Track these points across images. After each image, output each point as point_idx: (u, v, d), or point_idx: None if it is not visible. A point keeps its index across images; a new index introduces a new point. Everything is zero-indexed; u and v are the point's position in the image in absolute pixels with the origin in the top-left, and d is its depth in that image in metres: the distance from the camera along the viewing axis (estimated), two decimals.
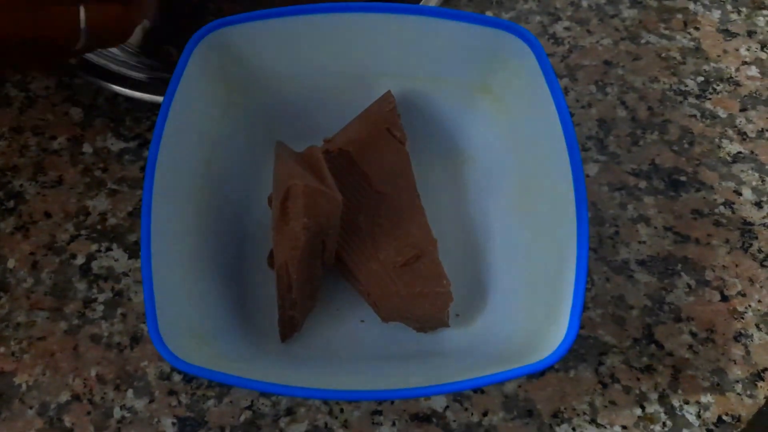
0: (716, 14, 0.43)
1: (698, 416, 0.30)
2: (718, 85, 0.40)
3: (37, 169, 0.36)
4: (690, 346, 0.31)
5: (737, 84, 0.40)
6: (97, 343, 0.31)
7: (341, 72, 0.34)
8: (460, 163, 0.35)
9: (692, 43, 0.42)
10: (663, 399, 0.30)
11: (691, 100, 0.39)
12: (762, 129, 0.38)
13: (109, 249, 0.34)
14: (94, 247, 0.34)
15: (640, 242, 0.34)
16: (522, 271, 0.30)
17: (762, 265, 0.34)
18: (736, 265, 0.34)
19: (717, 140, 0.38)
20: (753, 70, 0.41)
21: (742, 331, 0.32)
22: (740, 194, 0.36)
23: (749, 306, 0.33)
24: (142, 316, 0.32)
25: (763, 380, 0.31)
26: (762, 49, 0.42)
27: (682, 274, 0.33)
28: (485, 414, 0.30)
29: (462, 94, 0.34)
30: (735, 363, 0.31)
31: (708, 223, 0.35)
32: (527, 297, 0.29)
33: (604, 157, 0.37)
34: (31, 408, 0.30)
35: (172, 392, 0.30)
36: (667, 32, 0.42)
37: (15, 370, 0.31)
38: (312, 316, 0.30)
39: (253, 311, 0.31)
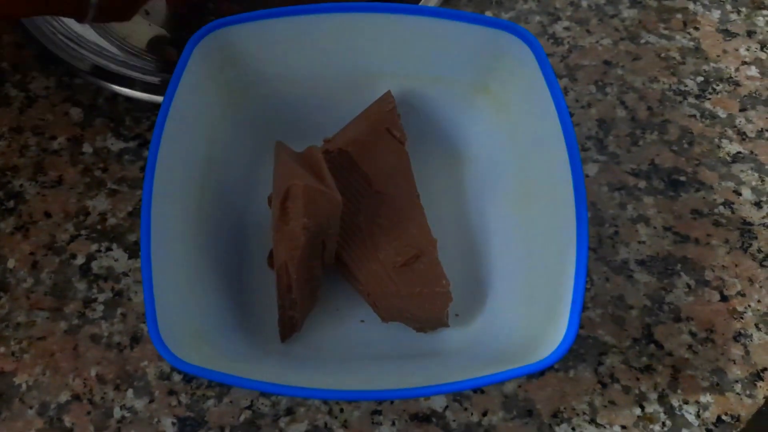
0: (716, 14, 0.43)
1: (698, 416, 0.30)
2: (717, 85, 0.40)
3: (37, 169, 0.36)
4: (689, 346, 0.31)
5: (737, 84, 0.40)
6: (97, 343, 0.31)
7: (341, 72, 0.34)
8: (459, 163, 0.35)
9: (692, 43, 0.42)
10: (662, 399, 0.30)
11: (691, 100, 0.39)
12: (761, 129, 0.38)
13: (109, 249, 0.34)
14: (94, 247, 0.34)
15: (639, 242, 0.34)
16: (521, 271, 0.30)
17: (761, 265, 0.34)
18: (736, 265, 0.34)
19: (716, 140, 0.38)
20: (753, 70, 0.41)
21: (742, 331, 0.32)
22: (740, 194, 0.36)
23: (749, 306, 0.33)
24: (142, 316, 0.32)
25: (763, 380, 0.31)
26: (762, 49, 0.42)
27: (682, 274, 0.33)
28: (485, 414, 0.30)
29: (462, 94, 0.34)
30: (734, 363, 0.31)
31: (707, 223, 0.35)
32: (527, 297, 0.29)
33: (603, 157, 0.37)
34: (31, 408, 0.30)
35: (172, 392, 0.30)
36: (666, 32, 0.42)
37: (15, 370, 0.31)
38: (312, 316, 0.30)
39: (253, 311, 0.31)
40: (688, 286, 0.33)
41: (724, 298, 0.33)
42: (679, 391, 0.30)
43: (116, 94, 0.38)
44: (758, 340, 0.32)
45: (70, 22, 0.39)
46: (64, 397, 0.30)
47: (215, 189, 0.32)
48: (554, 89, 0.29)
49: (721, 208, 0.36)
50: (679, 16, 0.43)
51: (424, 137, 0.35)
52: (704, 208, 0.35)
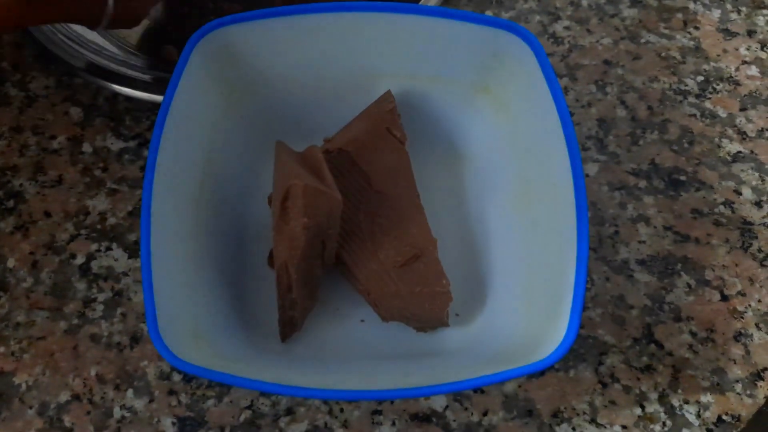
0: (716, 14, 0.43)
1: (698, 416, 0.30)
2: (717, 85, 0.40)
3: (37, 168, 0.36)
4: (690, 346, 0.31)
5: (737, 83, 0.40)
6: (96, 343, 0.31)
7: (341, 72, 0.34)
8: (459, 162, 0.35)
9: (692, 43, 0.42)
10: (663, 399, 0.30)
11: (691, 99, 0.39)
12: (762, 128, 0.38)
13: (108, 249, 0.34)
14: (94, 246, 0.34)
15: (639, 242, 0.34)
16: (522, 270, 0.30)
17: (762, 265, 0.34)
18: (736, 265, 0.34)
19: (717, 140, 0.38)
20: (753, 70, 0.41)
21: (742, 331, 0.32)
22: (740, 194, 0.36)
23: (749, 305, 0.33)
24: (142, 315, 0.32)
25: (763, 380, 0.31)
26: (762, 49, 0.42)
27: (682, 273, 0.33)
28: (485, 414, 0.30)
29: (462, 93, 0.34)
30: (735, 363, 0.31)
31: (708, 223, 0.35)
32: (527, 297, 0.29)
33: (603, 157, 0.37)
34: (30, 408, 0.30)
35: (171, 392, 0.30)
36: (667, 32, 0.42)
37: (15, 370, 0.31)
38: (312, 315, 0.30)
39: (253, 311, 0.31)
40: (689, 285, 0.33)
41: (725, 298, 0.33)
42: (679, 390, 0.30)
43: (116, 94, 0.38)
44: (759, 340, 0.32)
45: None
46: (63, 396, 0.30)
47: (215, 188, 0.32)
48: (554, 89, 0.29)
49: (722, 207, 0.35)
50: (679, 15, 0.43)
51: (424, 137, 0.35)
52: (704, 207, 0.35)
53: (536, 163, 0.31)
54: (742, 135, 0.38)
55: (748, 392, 0.30)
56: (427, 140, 0.35)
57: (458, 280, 0.30)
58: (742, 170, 0.37)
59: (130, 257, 0.34)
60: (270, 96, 0.34)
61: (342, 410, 0.30)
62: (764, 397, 0.30)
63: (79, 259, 0.34)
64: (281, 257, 0.27)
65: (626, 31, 0.42)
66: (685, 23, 0.43)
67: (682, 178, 0.36)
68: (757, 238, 0.35)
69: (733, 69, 0.41)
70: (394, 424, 0.29)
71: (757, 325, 0.32)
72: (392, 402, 0.30)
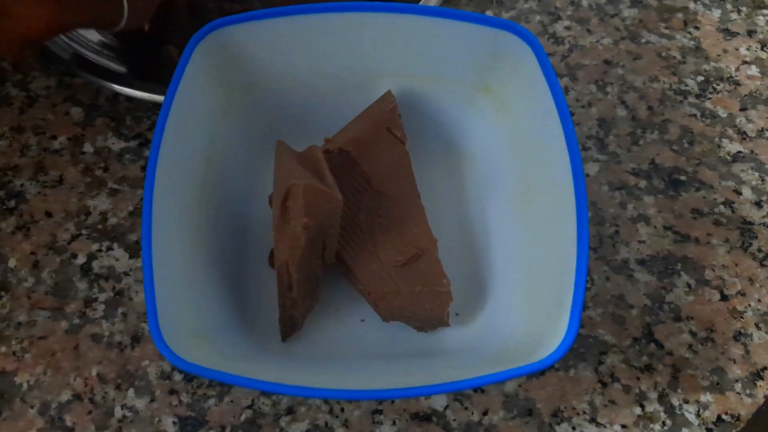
0: (716, 14, 0.43)
1: (698, 415, 0.30)
2: (718, 85, 0.40)
3: (38, 168, 0.36)
4: (690, 346, 0.31)
5: (737, 83, 0.40)
6: (98, 343, 0.31)
7: (341, 72, 0.34)
8: (460, 162, 0.35)
9: (692, 43, 0.42)
10: (663, 398, 0.30)
11: (691, 99, 0.39)
12: (762, 128, 0.38)
13: (109, 248, 0.34)
14: (95, 246, 0.34)
15: (640, 242, 0.34)
16: (522, 270, 0.30)
17: (762, 265, 0.34)
18: (736, 265, 0.34)
19: (717, 140, 0.38)
20: (753, 70, 0.41)
21: (742, 331, 0.32)
22: (740, 194, 0.36)
23: (749, 305, 0.33)
24: (143, 315, 0.32)
25: (763, 379, 0.31)
26: (762, 49, 0.42)
27: (682, 273, 0.33)
28: (485, 413, 0.30)
29: (462, 93, 0.34)
30: (734, 362, 0.31)
31: (708, 223, 0.35)
32: (527, 296, 0.29)
33: (604, 157, 0.37)
34: (32, 407, 0.30)
35: (172, 391, 0.30)
36: (667, 32, 0.42)
37: (16, 370, 0.31)
38: (312, 315, 0.31)
39: (253, 310, 0.31)
40: (689, 285, 0.33)
41: (725, 298, 0.33)
42: (679, 390, 0.30)
43: (117, 94, 0.38)
44: (758, 340, 0.32)
45: None
46: (65, 396, 0.30)
47: (216, 188, 0.32)
48: (555, 89, 0.29)
49: (722, 207, 0.36)
50: (679, 15, 0.43)
51: (425, 137, 0.35)
52: (704, 207, 0.36)
53: (536, 163, 0.31)
54: (742, 135, 0.38)
55: (748, 392, 0.30)
56: (428, 140, 0.35)
57: (458, 279, 0.30)
58: (742, 170, 0.37)
59: (131, 257, 0.34)
60: (271, 96, 0.34)
61: (342, 410, 0.30)
62: (764, 397, 0.30)
63: (80, 259, 0.34)
64: (282, 257, 0.28)
65: (626, 31, 0.42)
66: (686, 23, 0.43)
67: (682, 178, 0.36)
68: (756, 237, 0.35)
69: (733, 69, 0.41)
70: (394, 423, 0.29)
71: (756, 324, 0.32)
72: (392, 401, 0.30)
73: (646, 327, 0.32)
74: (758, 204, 0.36)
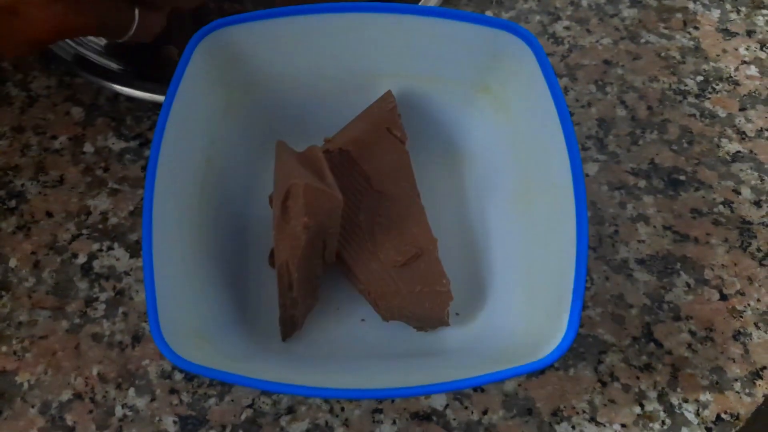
0: (716, 14, 0.43)
1: (697, 414, 0.30)
2: (717, 85, 0.40)
3: (39, 168, 0.37)
4: (689, 345, 0.32)
5: (736, 83, 0.40)
6: (98, 342, 0.31)
7: (341, 72, 0.34)
8: (460, 162, 0.35)
9: (692, 43, 0.42)
10: (662, 397, 0.30)
11: (691, 99, 0.39)
12: (761, 128, 0.38)
13: (110, 248, 0.34)
14: (96, 246, 0.34)
15: (639, 241, 0.34)
16: (522, 269, 0.30)
17: (761, 264, 0.34)
18: (735, 264, 0.34)
19: (716, 139, 0.38)
20: (752, 70, 0.41)
21: (741, 330, 0.32)
22: (739, 193, 0.36)
23: (748, 305, 0.33)
24: (144, 315, 0.32)
25: (762, 378, 0.31)
26: (761, 49, 0.42)
27: (682, 273, 0.34)
28: (485, 412, 0.30)
29: (462, 93, 0.34)
30: (734, 361, 0.31)
31: (707, 222, 0.35)
32: (527, 296, 0.29)
33: (603, 157, 0.37)
34: (33, 407, 0.30)
35: (173, 391, 0.30)
36: (666, 32, 0.42)
37: (17, 369, 0.31)
38: (313, 314, 0.31)
39: (254, 310, 0.31)
40: (688, 285, 0.33)
41: (724, 297, 0.33)
42: (678, 389, 0.30)
43: (117, 94, 0.38)
44: (757, 339, 0.32)
45: None
46: (65, 395, 0.30)
47: (216, 188, 0.32)
48: (554, 89, 0.29)
49: (721, 207, 0.36)
50: (679, 15, 0.43)
51: (425, 137, 0.35)
52: (704, 207, 0.36)
53: (536, 163, 0.31)
54: (742, 135, 0.38)
55: (747, 391, 0.30)
56: (427, 140, 0.35)
57: (458, 279, 0.30)
58: (741, 170, 0.37)
59: (131, 257, 0.34)
60: (271, 96, 0.34)
61: (343, 409, 0.30)
62: (763, 396, 0.30)
63: (81, 259, 0.34)
64: (282, 256, 0.28)
65: (626, 31, 0.42)
66: (685, 23, 0.43)
67: (682, 177, 0.37)
68: (756, 237, 0.35)
69: (732, 69, 0.41)
70: (394, 422, 0.30)
71: (756, 324, 0.32)
72: (393, 401, 0.30)
73: (645, 326, 0.32)
74: (757, 204, 0.36)
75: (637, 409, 0.30)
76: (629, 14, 0.43)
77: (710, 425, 0.30)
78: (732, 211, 0.35)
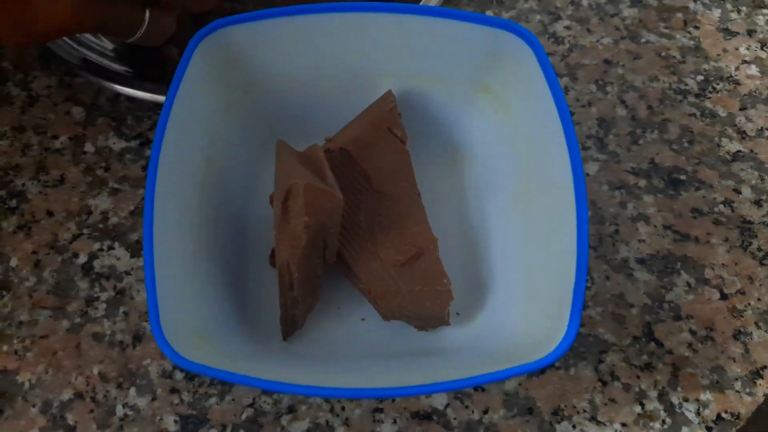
0: (716, 13, 0.43)
1: (697, 414, 0.30)
2: (717, 84, 0.40)
3: (39, 168, 0.37)
4: (689, 344, 0.32)
5: (737, 83, 0.40)
6: (99, 342, 0.31)
7: (342, 71, 0.34)
8: (460, 162, 0.35)
9: (692, 42, 0.42)
10: (662, 397, 0.30)
11: (691, 99, 0.39)
12: (761, 128, 0.38)
13: (111, 248, 0.34)
14: (96, 245, 0.34)
15: (639, 241, 0.34)
16: (522, 269, 0.30)
17: (761, 264, 0.34)
18: (736, 264, 0.34)
19: (716, 139, 0.38)
20: (753, 69, 0.41)
21: (742, 329, 0.32)
22: (740, 193, 0.36)
23: (748, 304, 0.33)
24: (144, 314, 0.32)
25: (762, 378, 0.31)
26: (762, 48, 0.42)
27: (682, 272, 0.34)
28: (486, 412, 0.30)
29: (462, 93, 0.34)
30: (734, 361, 0.31)
31: (707, 222, 0.35)
32: (527, 295, 0.29)
33: (604, 156, 0.37)
34: (34, 406, 0.30)
35: (174, 390, 0.30)
36: (667, 31, 0.42)
37: (18, 369, 0.31)
38: (313, 314, 0.31)
39: (254, 309, 0.31)
40: (688, 284, 0.33)
41: (724, 297, 0.33)
42: (679, 388, 0.30)
43: (118, 94, 0.38)
44: (758, 338, 0.32)
45: None
46: (66, 395, 0.30)
47: (217, 188, 0.32)
48: (555, 88, 0.29)
49: (721, 206, 0.36)
50: (679, 15, 0.43)
51: (425, 136, 0.35)
52: (704, 206, 0.36)
53: (536, 163, 0.31)
54: (742, 134, 0.38)
55: (748, 390, 0.30)
56: (428, 140, 0.35)
57: (459, 278, 0.30)
58: (741, 169, 0.37)
59: (132, 256, 0.34)
60: (271, 95, 0.34)
61: (343, 408, 0.30)
62: (763, 395, 0.30)
63: (82, 258, 0.34)
64: (283, 256, 0.28)
65: (626, 30, 0.42)
66: (685, 23, 0.43)
67: (682, 177, 0.37)
68: (756, 236, 0.35)
69: (733, 68, 0.41)
70: (395, 422, 0.30)
71: (756, 323, 0.32)
72: (393, 400, 0.30)
73: (646, 326, 0.32)
74: (758, 203, 0.36)
75: (638, 409, 0.30)
76: (629, 14, 0.43)
77: (710, 424, 0.30)
78: (732, 211, 0.35)
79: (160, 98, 0.35)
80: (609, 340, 0.32)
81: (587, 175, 0.36)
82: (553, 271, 0.28)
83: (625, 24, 0.43)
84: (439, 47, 0.33)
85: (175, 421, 0.30)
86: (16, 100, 0.39)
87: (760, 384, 0.31)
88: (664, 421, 0.30)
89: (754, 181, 0.36)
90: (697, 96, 0.40)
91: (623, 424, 0.30)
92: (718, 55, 0.41)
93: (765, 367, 0.31)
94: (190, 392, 0.30)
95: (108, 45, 0.39)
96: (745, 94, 0.40)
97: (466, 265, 0.32)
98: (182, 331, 0.26)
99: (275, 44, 0.33)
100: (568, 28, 0.43)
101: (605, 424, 0.30)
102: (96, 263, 0.34)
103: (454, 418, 0.30)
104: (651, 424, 0.30)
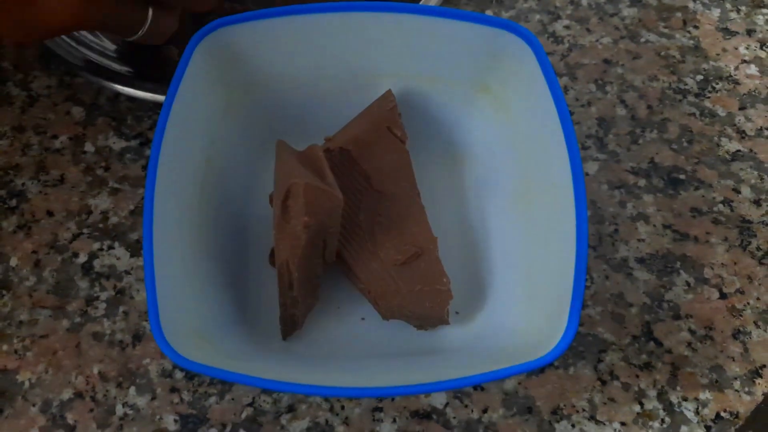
0: (716, 13, 0.43)
1: (697, 413, 0.30)
2: (717, 84, 0.40)
3: (39, 167, 0.37)
4: (689, 344, 0.32)
5: (736, 82, 0.40)
6: (99, 341, 0.32)
7: (342, 71, 0.34)
8: (460, 161, 0.35)
9: (691, 42, 0.42)
10: (662, 396, 0.30)
11: (691, 98, 0.40)
12: (761, 127, 0.38)
13: (111, 247, 0.34)
14: (96, 245, 0.34)
15: (639, 240, 0.34)
16: (521, 268, 0.30)
17: (760, 263, 0.34)
18: (735, 263, 0.34)
19: (716, 138, 0.38)
20: (752, 69, 0.41)
21: (741, 329, 0.32)
22: (739, 192, 0.36)
23: (748, 303, 0.33)
24: (144, 314, 0.32)
25: (761, 377, 0.31)
26: (761, 48, 0.42)
27: (681, 271, 0.34)
28: (485, 411, 0.30)
29: (462, 93, 0.34)
30: (733, 360, 0.31)
31: (707, 221, 0.35)
32: (527, 295, 0.29)
33: (603, 156, 0.37)
34: (34, 405, 0.30)
35: (174, 389, 0.30)
36: (666, 31, 0.42)
37: (18, 368, 0.31)
38: (313, 313, 0.31)
39: (254, 309, 0.31)
40: (688, 283, 0.33)
41: (723, 296, 0.33)
42: (678, 388, 0.30)
43: (117, 93, 0.38)
44: (757, 338, 0.32)
45: None
46: (66, 394, 0.30)
47: (216, 187, 0.32)
48: (554, 88, 0.29)
49: (721, 206, 0.36)
50: (678, 14, 0.43)
51: (425, 136, 0.35)
52: (703, 206, 0.36)
53: (536, 162, 0.31)
54: (741, 134, 0.38)
55: (747, 389, 0.30)
56: (427, 140, 0.35)
57: (458, 278, 0.30)
58: (741, 169, 0.37)
59: (132, 256, 0.34)
60: (271, 95, 0.34)
61: (343, 407, 0.30)
62: (762, 394, 0.30)
63: (82, 258, 0.34)
64: (283, 256, 0.28)
65: (626, 30, 0.42)
66: (685, 22, 0.43)
67: (682, 176, 0.37)
68: (755, 236, 0.35)
69: (732, 68, 0.41)
70: (394, 421, 0.30)
71: (755, 322, 0.32)
72: (393, 399, 0.30)
73: (645, 325, 0.32)
74: (757, 202, 0.36)
75: (637, 408, 0.30)
76: (629, 13, 0.43)
77: (710, 424, 0.30)
78: (732, 210, 0.36)
79: (160, 98, 0.35)
80: (608, 339, 0.32)
81: (587, 174, 0.37)
82: (553, 270, 0.28)
83: (624, 24, 0.43)
84: (439, 47, 0.33)
85: (175, 421, 0.30)
86: (16, 100, 0.39)
87: (759, 383, 0.31)
88: (663, 420, 0.30)
89: (753, 181, 0.36)
90: (696, 96, 0.40)
91: (622, 424, 0.30)
92: (718, 54, 0.41)
93: (764, 366, 0.31)
94: (189, 391, 0.30)
95: (108, 45, 0.39)
96: (744, 94, 0.40)
97: (466, 264, 0.32)
98: (182, 331, 0.26)
99: (275, 44, 0.33)
100: (567, 27, 0.43)
101: (604, 424, 0.30)
102: (96, 263, 0.34)
103: (454, 417, 0.30)
104: (650, 423, 0.30)
